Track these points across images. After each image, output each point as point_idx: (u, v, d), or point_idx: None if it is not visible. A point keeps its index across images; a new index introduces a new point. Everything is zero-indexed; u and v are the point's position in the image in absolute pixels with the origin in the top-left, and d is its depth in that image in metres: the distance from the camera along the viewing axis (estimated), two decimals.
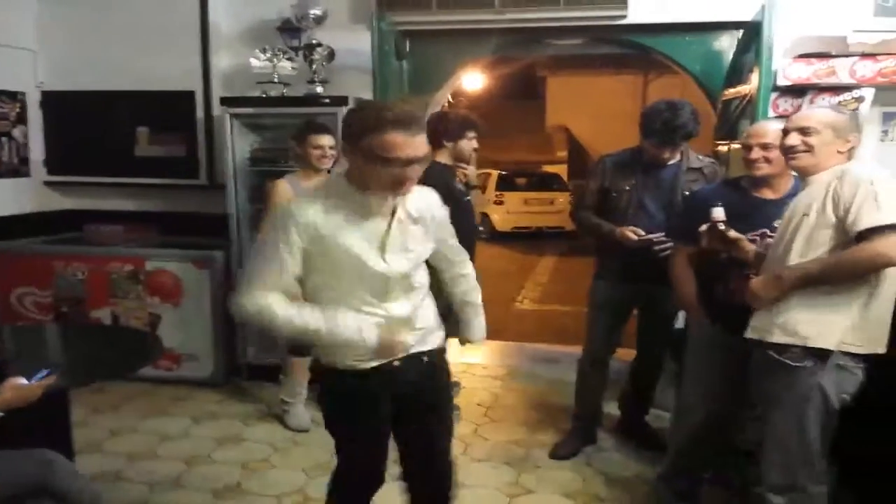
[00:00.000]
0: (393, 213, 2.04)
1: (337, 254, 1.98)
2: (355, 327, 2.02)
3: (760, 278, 2.40)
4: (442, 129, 3.97)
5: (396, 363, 2.14)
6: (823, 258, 2.24)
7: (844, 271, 2.21)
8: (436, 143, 4.00)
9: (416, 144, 1.89)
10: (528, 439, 3.98)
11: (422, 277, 2.19)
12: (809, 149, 2.36)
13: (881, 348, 2.30)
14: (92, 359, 2.98)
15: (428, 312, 2.24)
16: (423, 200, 2.15)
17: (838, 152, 2.34)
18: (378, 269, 2.01)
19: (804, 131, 2.36)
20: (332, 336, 2.01)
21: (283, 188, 3.84)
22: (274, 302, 1.98)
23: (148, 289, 4.70)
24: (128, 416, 4.24)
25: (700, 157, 3.60)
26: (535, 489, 3.44)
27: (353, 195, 1.99)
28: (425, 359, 2.22)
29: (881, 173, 2.23)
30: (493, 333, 5.99)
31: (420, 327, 2.19)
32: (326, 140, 3.89)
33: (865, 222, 2.13)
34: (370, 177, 1.93)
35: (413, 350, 2.17)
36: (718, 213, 2.67)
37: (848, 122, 2.40)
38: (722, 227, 2.66)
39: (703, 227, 2.70)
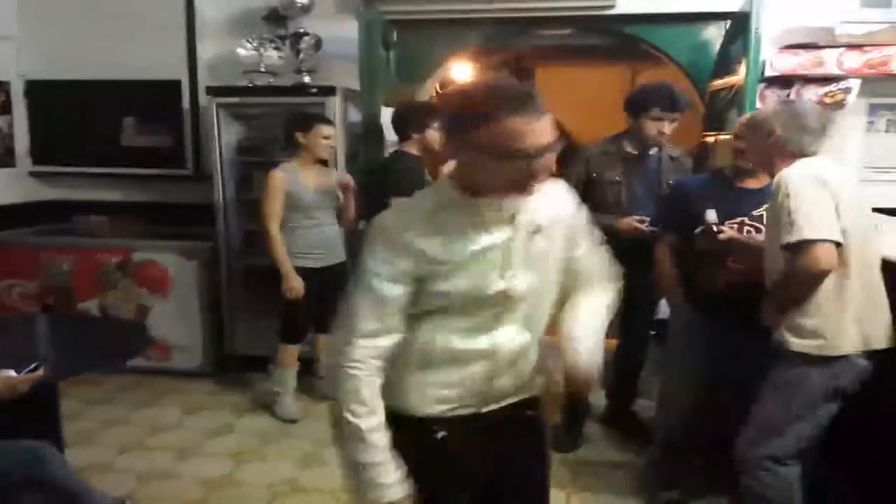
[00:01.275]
0: (513, 219, 1.60)
1: (447, 276, 1.56)
2: (380, 484, 1.56)
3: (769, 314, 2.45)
4: (407, 121, 3.92)
5: (492, 413, 1.71)
6: (773, 289, 2.38)
7: (797, 290, 2.28)
8: (403, 133, 3.97)
9: (541, 129, 1.46)
10: None
11: (546, 303, 1.72)
12: (742, 151, 2.62)
13: (882, 344, 2.34)
14: (80, 350, 2.96)
15: (537, 349, 1.76)
16: (550, 201, 1.66)
17: (765, 148, 2.44)
18: (496, 289, 1.58)
19: (736, 134, 2.56)
20: (357, 468, 1.58)
21: (280, 178, 3.86)
22: (367, 374, 1.56)
23: (136, 280, 4.68)
24: (118, 408, 4.23)
25: (671, 147, 3.61)
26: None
27: (464, 202, 1.57)
28: (528, 411, 1.79)
29: (807, 179, 2.25)
30: None
31: (527, 368, 1.73)
32: (332, 130, 4.00)
33: (784, 238, 2.21)
34: (486, 177, 1.51)
35: (512, 398, 1.74)
36: (711, 216, 2.74)
37: (763, 118, 2.48)
38: (715, 229, 2.71)
39: (698, 230, 2.75)
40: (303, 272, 3.90)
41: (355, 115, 4.54)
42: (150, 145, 5.09)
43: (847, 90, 4.01)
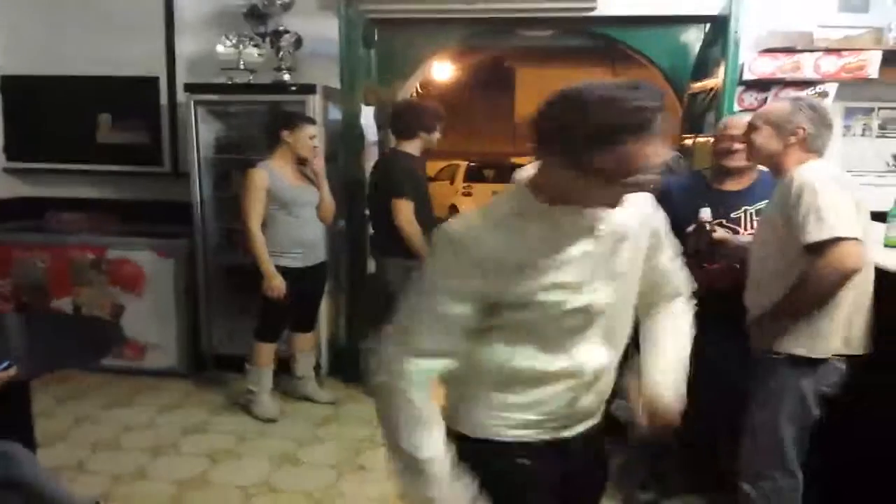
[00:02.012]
0: (596, 229, 1.44)
1: (524, 292, 1.40)
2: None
3: (753, 327, 2.44)
4: (416, 120, 3.99)
5: (574, 437, 1.57)
6: (788, 294, 2.26)
7: (821, 291, 2.21)
8: (408, 133, 4.01)
9: (661, 148, 1.29)
10: None
11: (627, 317, 1.58)
12: (751, 146, 2.43)
13: (860, 350, 2.35)
14: (52, 348, 2.92)
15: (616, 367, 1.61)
16: (634, 204, 1.46)
17: (788, 145, 2.36)
18: (578, 303, 1.43)
19: (749, 128, 2.44)
20: (416, 484, 1.44)
21: (261, 176, 3.82)
22: (424, 398, 1.42)
23: (110, 278, 4.62)
24: (91, 407, 4.18)
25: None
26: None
27: (543, 211, 1.40)
28: (601, 437, 1.68)
29: (828, 177, 2.23)
30: None
31: (607, 388, 1.61)
32: (316, 130, 4.00)
33: (812, 236, 2.15)
34: (583, 194, 1.35)
35: (592, 421, 1.62)
36: (705, 213, 2.73)
37: (789, 112, 2.38)
38: (708, 227, 2.71)
39: (690, 229, 2.73)
40: (283, 271, 3.86)
41: (335, 114, 4.52)
42: (126, 142, 5.03)
43: (823, 94, 4.04)
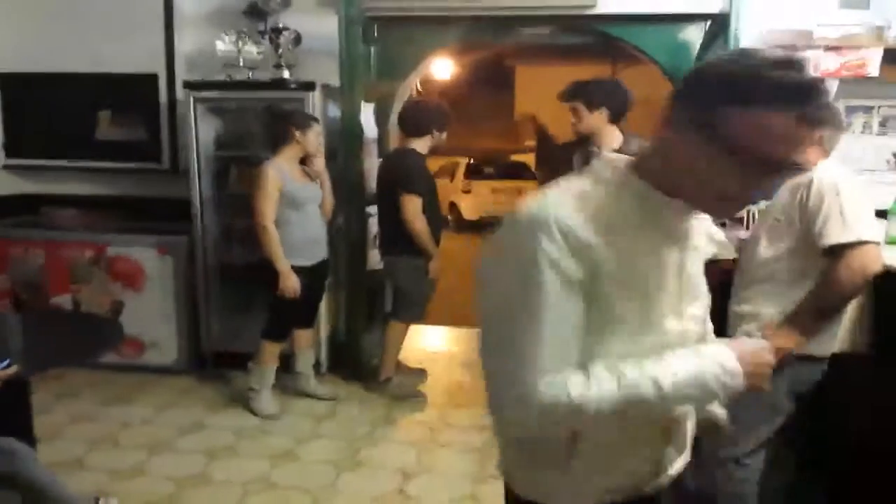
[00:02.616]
0: (687, 234, 1.23)
1: (616, 296, 1.14)
2: (711, 365, 1.15)
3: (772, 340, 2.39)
4: (429, 119, 4.08)
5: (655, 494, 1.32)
6: (809, 298, 2.18)
7: (844, 295, 2.15)
8: (420, 131, 4.08)
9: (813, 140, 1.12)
10: None
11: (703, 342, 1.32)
12: None
13: (833, 349, 2.34)
14: (51, 345, 2.92)
15: None
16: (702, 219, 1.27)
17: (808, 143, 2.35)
18: (671, 327, 1.21)
19: None
20: (679, 394, 1.14)
21: (274, 175, 3.81)
22: (570, 382, 1.11)
23: (109, 275, 4.62)
24: (90, 404, 4.18)
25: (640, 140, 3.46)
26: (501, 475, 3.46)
27: (652, 200, 1.17)
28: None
29: (849, 179, 2.20)
30: (458, 320, 6.03)
31: (689, 429, 1.36)
32: (321, 128, 4.02)
33: (833, 238, 2.10)
34: (709, 179, 1.10)
35: (678, 467, 1.35)
36: None
37: None
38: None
39: None
40: (296, 270, 3.86)
41: (334, 112, 4.51)
42: (125, 139, 5.02)
43: None
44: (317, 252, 4.05)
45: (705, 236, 1.29)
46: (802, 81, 1.03)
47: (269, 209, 3.79)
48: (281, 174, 3.82)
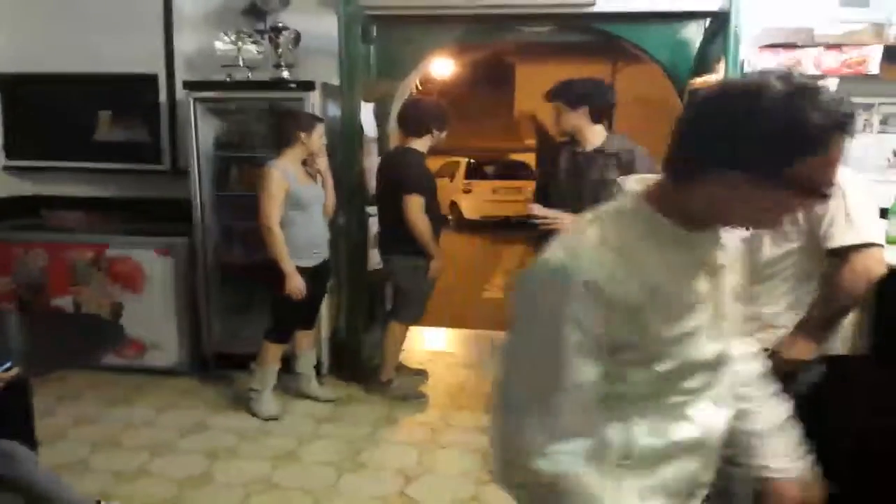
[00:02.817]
0: (717, 258, 1.22)
1: (649, 335, 1.13)
2: None
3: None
4: (428, 118, 4.10)
5: None
6: (817, 305, 2.17)
7: (840, 302, 2.13)
8: (420, 130, 4.09)
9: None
10: None
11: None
12: None
13: (834, 350, 2.33)
14: (53, 347, 2.91)
15: None
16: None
17: None
18: (707, 353, 1.20)
19: None
20: None
21: (278, 177, 3.79)
22: (584, 472, 1.12)
23: (110, 276, 4.61)
24: (91, 405, 4.18)
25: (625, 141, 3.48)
26: None
27: (679, 237, 1.15)
28: None
29: (854, 180, 2.15)
30: (460, 321, 6.03)
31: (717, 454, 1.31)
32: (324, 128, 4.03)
33: (837, 240, 2.07)
34: (752, 211, 1.10)
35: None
36: None
37: None
38: None
39: None
40: (301, 271, 3.86)
41: (334, 111, 4.51)
42: (126, 140, 5.02)
43: None
44: (320, 253, 4.05)
45: (735, 257, 1.28)
46: (845, 111, 1.03)
47: (274, 211, 3.78)
48: (286, 175, 3.81)
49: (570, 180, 3.45)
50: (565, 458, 1.10)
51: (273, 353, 4.03)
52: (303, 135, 3.88)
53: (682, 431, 1.20)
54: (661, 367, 1.14)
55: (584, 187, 3.36)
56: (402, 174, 4.06)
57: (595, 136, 3.41)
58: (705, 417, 1.22)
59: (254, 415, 4.03)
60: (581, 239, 1.14)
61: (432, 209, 4.13)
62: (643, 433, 1.18)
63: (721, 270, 1.21)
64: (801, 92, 1.01)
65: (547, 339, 1.10)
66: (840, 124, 1.01)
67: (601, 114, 3.42)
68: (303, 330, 4.18)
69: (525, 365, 1.14)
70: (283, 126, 3.96)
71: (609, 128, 3.52)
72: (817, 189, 1.04)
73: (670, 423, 1.19)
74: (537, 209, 3.31)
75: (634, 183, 1.20)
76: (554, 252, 1.14)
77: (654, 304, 1.10)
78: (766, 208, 1.08)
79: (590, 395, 1.12)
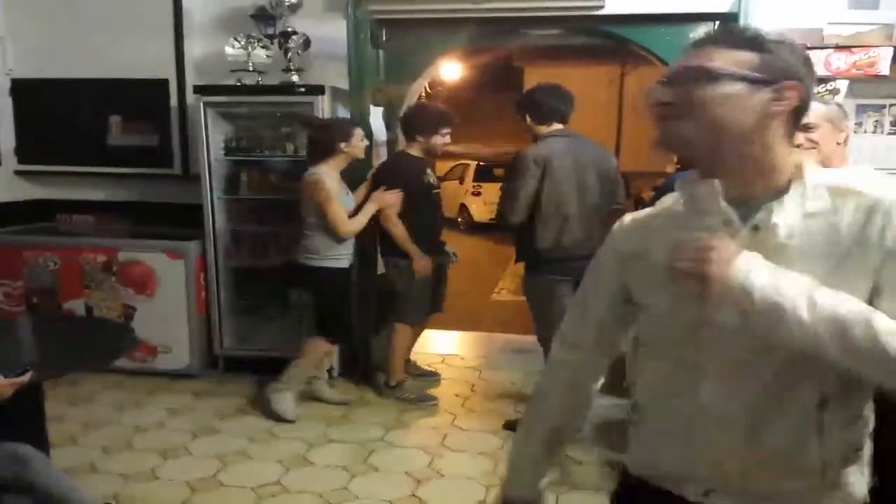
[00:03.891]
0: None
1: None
2: None
3: None
4: (415, 123, 4.15)
5: None
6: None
7: None
8: (408, 135, 4.18)
9: None
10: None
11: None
12: (814, 145, 2.34)
13: None
14: (65, 351, 2.93)
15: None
16: None
17: (837, 144, 2.33)
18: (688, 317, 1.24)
19: (807, 128, 2.35)
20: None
21: (331, 185, 3.87)
22: (551, 385, 1.53)
23: (121, 280, 4.64)
24: (102, 409, 4.20)
25: None
26: None
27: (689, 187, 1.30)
28: None
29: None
30: (469, 324, 6.02)
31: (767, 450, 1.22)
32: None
33: None
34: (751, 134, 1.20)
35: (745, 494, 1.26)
36: None
37: (839, 112, 2.39)
38: None
39: None
40: (343, 273, 3.98)
41: (343, 115, 4.52)
42: (137, 144, 5.04)
43: (835, 91, 4.02)
44: (351, 256, 4.13)
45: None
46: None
47: (342, 215, 3.89)
48: (336, 183, 3.90)
49: None
50: (554, 355, 1.51)
51: (319, 352, 4.09)
52: (342, 144, 3.91)
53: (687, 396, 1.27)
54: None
55: None
56: (382, 178, 4.16)
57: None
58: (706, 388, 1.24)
59: (270, 413, 4.03)
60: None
61: (424, 211, 4.21)
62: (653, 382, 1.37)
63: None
64: (796, 47, 1.29)
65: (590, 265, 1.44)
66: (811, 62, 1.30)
67: (542, 119, 3.84)
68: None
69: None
70: (320, 139, 3.97)
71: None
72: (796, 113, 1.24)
73: (672, 380, 1.31)
74: None
75: None
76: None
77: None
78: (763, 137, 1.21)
79: (589, 318, 1.42)
